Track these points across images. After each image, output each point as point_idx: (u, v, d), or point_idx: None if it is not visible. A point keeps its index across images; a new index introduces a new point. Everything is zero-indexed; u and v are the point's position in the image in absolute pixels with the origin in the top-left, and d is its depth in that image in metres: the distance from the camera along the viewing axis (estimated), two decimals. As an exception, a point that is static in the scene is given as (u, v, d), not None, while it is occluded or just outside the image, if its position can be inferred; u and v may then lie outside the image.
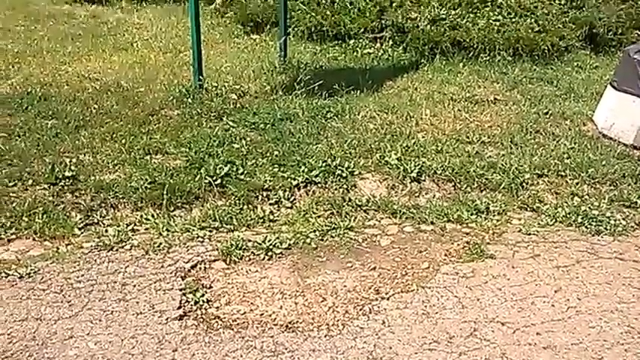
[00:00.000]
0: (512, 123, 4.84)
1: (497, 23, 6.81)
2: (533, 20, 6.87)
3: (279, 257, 3.21)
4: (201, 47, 5.03)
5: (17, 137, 4.20)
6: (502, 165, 4.11)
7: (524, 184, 3.95)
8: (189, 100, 4.91)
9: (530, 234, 3.49)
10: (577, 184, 3.99)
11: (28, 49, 6.22)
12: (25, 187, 3.61)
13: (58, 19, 7.44)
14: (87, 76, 5.49)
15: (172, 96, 5.00)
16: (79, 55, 6.11)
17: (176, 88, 5.14)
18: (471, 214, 3.65)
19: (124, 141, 4.20)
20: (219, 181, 3.76)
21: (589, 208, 3.73)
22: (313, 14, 6.90)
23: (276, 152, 4.14)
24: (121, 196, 3.58)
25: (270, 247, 3.25)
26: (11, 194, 3.53)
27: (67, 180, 3.66)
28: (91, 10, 7.99)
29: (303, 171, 3.91)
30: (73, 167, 3.78)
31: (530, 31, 6.66)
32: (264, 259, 3.19)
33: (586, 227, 3.57)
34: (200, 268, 3.10)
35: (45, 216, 3.35)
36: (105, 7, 8.15)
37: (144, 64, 5.87)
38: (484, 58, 6.37)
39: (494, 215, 3.66)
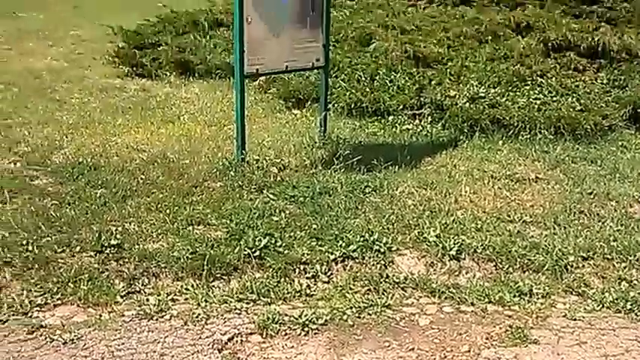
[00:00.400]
0: (555, 203, 4.77)
1: (538, 102, 6.82)
2: (574, 99, 6.87)
3: (315, 333, 3.17)
4: (244, 122, 5.21)
5: (67, 205, 4.36)
6: (545, 246, 4.02)
7: (568, 266, 3.84)
8: (232, 172, 5.04)
9: (575, 319, 3.37)
10: (625, 268, 3.86)
11: (81, 121, 6.53)
12: (73, 253, 3.72)
13: (109, 93, 7.82)
14: (135, 147, 5.71)
15: (216, 168, 5.15)
16: (128, 127, 6.38)
17: (220, 160, 5.30)
18: (514, 296, 3.55)
19: (168, 211, 4.31)
20: (257, 252, 3.80)
21: (638, 294, 3.59)
22: (353, 91, 7.09)
23: (314, 226, 4.18)
24: (163, 266, 3.64)
25: (307, 322, 3.22)
26: (59, 260, 3.63)
27: (113, 248, 3.76)
28: (141, 84, 8.37)
29: (340, 245, 3.91)
30: (118, 236, 3.89)
31: (571, 110, 6.63)
32: (300, 334, 3.16)
33: (635, 314, 3.42)
34: (237, 341, 3.08)
35: (90, 283, 3.43)
36: (154, 81, 8.53)
37: (189, 136, 6.08)
38: (524, 137, 6.35)
39: (537, 298, 3.55)
